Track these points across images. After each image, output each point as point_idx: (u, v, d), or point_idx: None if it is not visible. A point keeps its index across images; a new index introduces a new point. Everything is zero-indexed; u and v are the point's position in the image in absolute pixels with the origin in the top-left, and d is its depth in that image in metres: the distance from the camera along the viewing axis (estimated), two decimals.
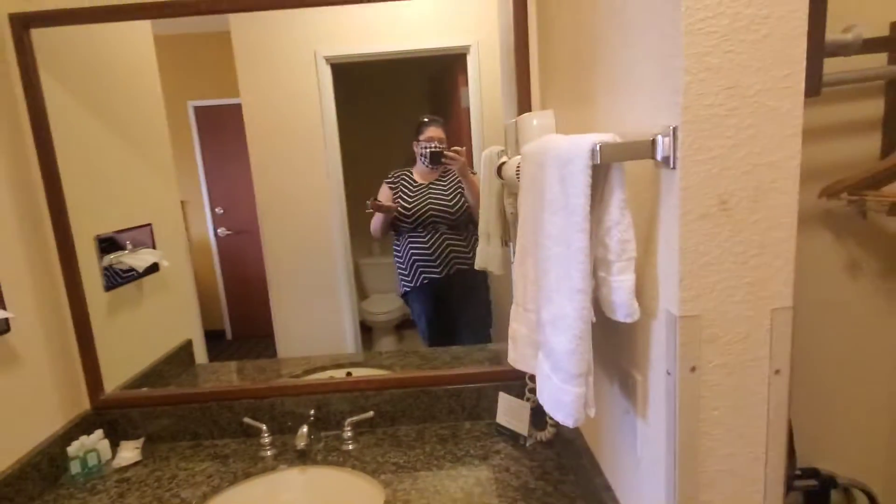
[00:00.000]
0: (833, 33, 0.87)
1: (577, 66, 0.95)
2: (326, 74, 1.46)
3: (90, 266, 1.34)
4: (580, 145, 0.65)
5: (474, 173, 1.45)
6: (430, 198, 1.50)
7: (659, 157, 0.61)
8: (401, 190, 1.52)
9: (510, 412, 1.28)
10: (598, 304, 0.73)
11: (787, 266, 0.61)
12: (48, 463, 1.19)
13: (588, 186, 0.64)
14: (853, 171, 1.19)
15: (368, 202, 1.52)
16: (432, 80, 1.59)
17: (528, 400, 1.25)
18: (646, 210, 0.68)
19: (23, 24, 1.19)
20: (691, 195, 0.59)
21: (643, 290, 0.71)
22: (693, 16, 0.56)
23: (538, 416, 1.24)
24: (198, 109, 1.66)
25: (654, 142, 0.61)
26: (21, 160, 1.23)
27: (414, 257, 1.53)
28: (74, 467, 1.20)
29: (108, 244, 1.39)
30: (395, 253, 1.57)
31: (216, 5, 1.22)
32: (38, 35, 1.22)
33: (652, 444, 0.72)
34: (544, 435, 1.24)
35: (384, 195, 1.53)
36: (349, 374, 1.51)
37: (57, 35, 1.24)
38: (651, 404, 0.71)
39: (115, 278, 1.42)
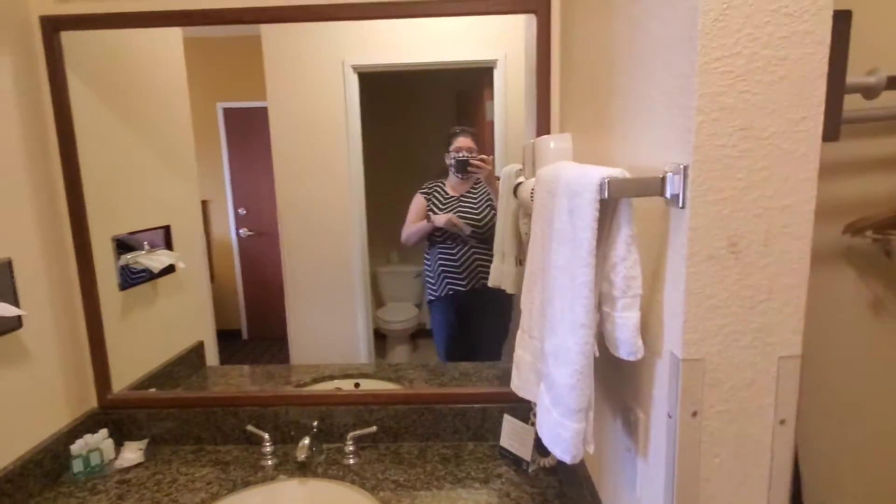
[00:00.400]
0: (856, 76, 0.85)
1: (595, 92, 0.94)
2: (353, 83, 1.47)
3: (106, 266, 1.36)
4: (589, 178, 0.64)
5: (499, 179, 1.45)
6: (459, 210, 1.50)
7: (668, 195, 0.59)
8: (433, 201, 1.52)
9: (514, 436, 1.26)
10: (602, 339, 0.72)
11: (797, 313, 0.59)
12: (51, 460, 1.21)
13: (595, 220, 0.63)
14: (880, 208, 1.16)
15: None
16: (459, 93, 1.59)
17: (532, 424, 1.24)
18: (654, 247, 0.67)
19: (53, 27, 1.22)
20: (699, 235, 0.58)
21: (648, 329, 0.69)
22: (708, 55, 0.55)
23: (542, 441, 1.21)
24: (227, 111, 1.68)
25: (663, 179, 0.59)
26: (44, 160, 1.26)
27: (442, 268, 1.53)
28: (77, 466, 1.22)
29: (125, 244, 1.41)
30: (425, 262, 1.57)
31: (242, 15, 1.24)
32: (67, 35, 1.25)
33: (651, 485, 0.70)
34: (548, 461, 1.22)
35: (418, 205, 1.54)
36: (357, 385, 1.51)
37: (85, 35, 1.27)
38: (652, 445, 0.70)
39: (131, 278, 1.44)
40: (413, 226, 1.53)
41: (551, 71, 1.21)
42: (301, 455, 1.20)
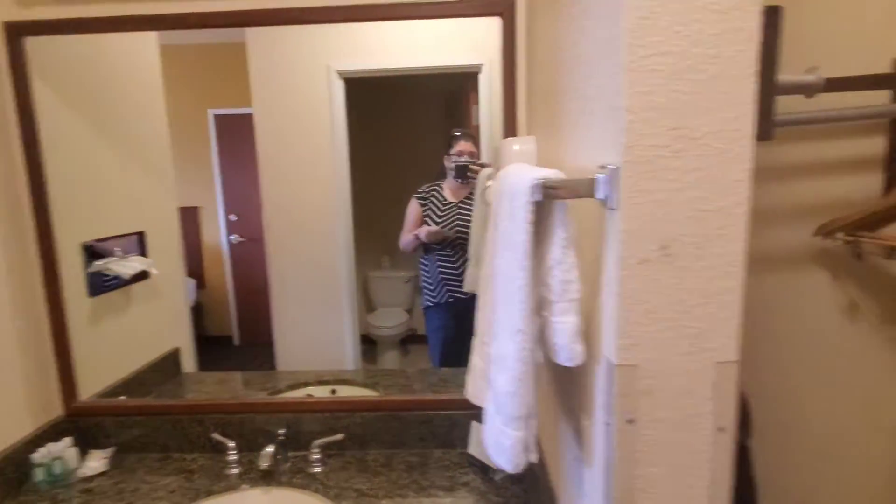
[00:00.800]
0: (795, 74, 0.83)
1: (551, 93, 0.93)
2: (339, 88, 1.46)
3: (74, 272, 1.35)
4: (524, 180, 0.62)
5: None
6: (458, 217, 1.47)
7: (601, 197, 0.58)
8: (431, 208, 1.49)
9: (482, 443, 1.24)
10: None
11: (734, 318, 0.57)
12: (13, 468, 1.19)
13: (528, 223, 0.62)
14: (850, 210, 1.14)
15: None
16: (446, 97, 1.58)
17: None
18: (594, 251, 0.65)
19: (17, 32, 1.21)
20: (632, 238, 0.56)
21: (590, 334, 0.67)
22: (636, 53, 0.53)
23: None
24: (218, 118, 1.67)
25: (594, 181, 0.58)
26: (7, 167, 1.24)
27: (441, 275, 1.51)
28: (39, 474, 1.20)
29: (96, 251, 1.40)
30: (422, 268, 1.55)
31: (206, 20, 1.23)
32: (34, 40, 1.24)
33: (595, 495, 0.68)
34: None
35: (414, 211, 1.51)
36: (333, 391, 1.49)
37: (53, 41, 1.26)
38: (595, 454, 0.68)
39: (102, 284, 1.42)
40: (408, 235, 1.51)
41: (516, 73, 1.20)
42: (264, 463, 1.18)
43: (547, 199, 0.61)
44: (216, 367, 1.65)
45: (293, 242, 1.53)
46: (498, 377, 0.69)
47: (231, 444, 1.26)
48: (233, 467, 1.25)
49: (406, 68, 1.42)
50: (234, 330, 1.88)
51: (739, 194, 0.55)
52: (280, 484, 1.20)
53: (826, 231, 1.15)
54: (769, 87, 0.68)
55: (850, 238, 1.12)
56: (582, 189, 0.58)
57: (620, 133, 0.55)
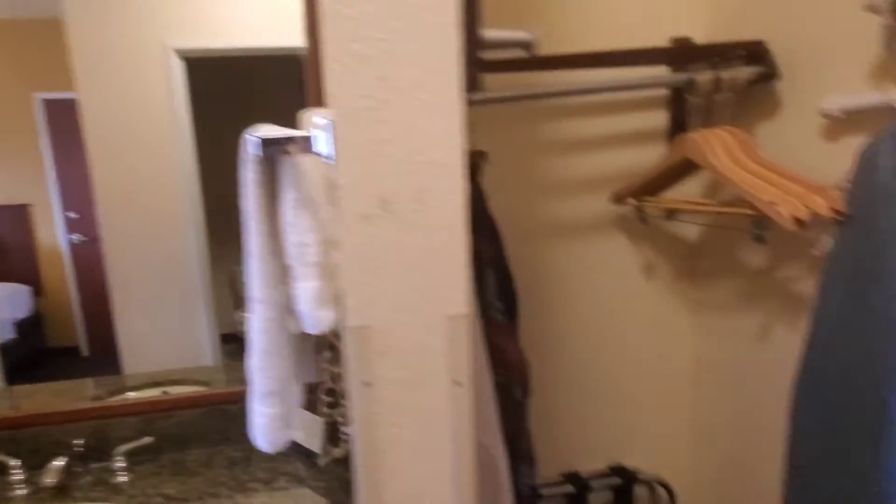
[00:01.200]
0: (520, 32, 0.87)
1: None
2: (178, 69, 1.33)
3: None
4: (251, 140, 0.58)
5: None
6: None
7: (320, 151, 0.55)
8: None
9: (304, 428, 1.20)
10: None
11: (460, 270, 0.58)
12: None
13: (255, 184, 0.58)
14: (636, 177, 1.23)
15: None
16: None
17: (323, 415, 1.18)
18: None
19: None
20: (351, 194, 0.54)
21: (341, 298, 0.65)
22: None
23: (334, 431, 1.17)
24: (48, 103, 1.46)
25: (309, 136, 0.55)
26: None
27: None
28: None
29: None
30: None
31: None
32: None
33: (355, 459, 0.67)
34: (339, 452, 1.17)
35: None
36: (164, 392, 1.37)
37: None
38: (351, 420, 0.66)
39: None
40: None
41: (321, 37, 1.16)
42: (50, 479, 1.06)
43: (270, 156, 0.57)
44: (57, 380, 1.46)
45: (135, 240, 1.40)
46: (249, 352, 0.65)
47: (14, 462, 1.11)
48: (18, 488, 1.10)
49: (256, 48, 1.33)
50: (82, 339, 1.70)
51: (453, 146, 0.55)
52: (75, 500, 1.08)
53: (617, 198, 1.24)
54: (473, 40, 0.70)
55: (637, 203, 1.21)
56: (301, 144, 0.56)
57: (330, 84, 0.53)
